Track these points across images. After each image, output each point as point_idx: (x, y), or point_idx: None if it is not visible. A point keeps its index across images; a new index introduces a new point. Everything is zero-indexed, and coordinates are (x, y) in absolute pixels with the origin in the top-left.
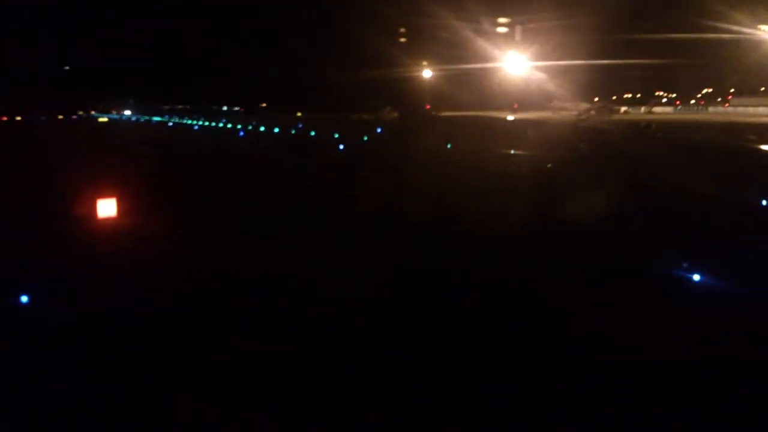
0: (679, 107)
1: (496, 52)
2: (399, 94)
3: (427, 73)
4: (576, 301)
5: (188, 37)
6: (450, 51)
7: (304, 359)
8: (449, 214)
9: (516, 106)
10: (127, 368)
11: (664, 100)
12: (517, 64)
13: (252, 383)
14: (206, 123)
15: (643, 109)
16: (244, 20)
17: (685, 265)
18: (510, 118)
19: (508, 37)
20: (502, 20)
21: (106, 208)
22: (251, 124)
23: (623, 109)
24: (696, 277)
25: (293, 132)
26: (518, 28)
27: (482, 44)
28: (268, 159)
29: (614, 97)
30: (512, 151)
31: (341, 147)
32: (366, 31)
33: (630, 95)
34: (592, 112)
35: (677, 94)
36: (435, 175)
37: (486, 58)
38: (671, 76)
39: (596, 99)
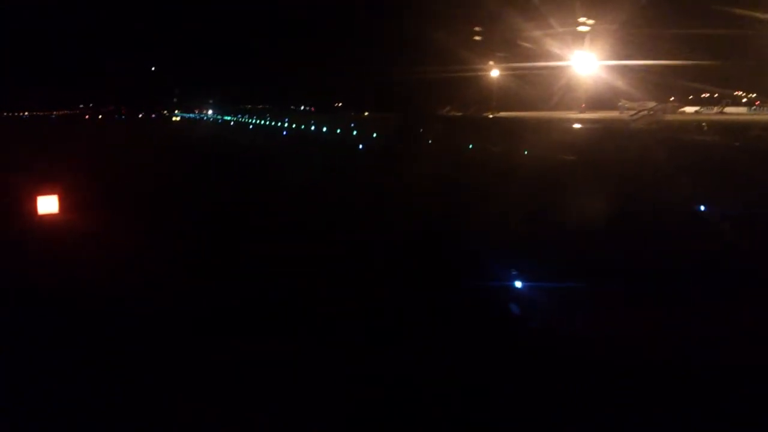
0: (755, 108)
1: (563, 51)
2: (457, 94)
3: (488, 72)
4: (579, 300)
5: (261, 42)
6: (515, 50)
7: (304, 359)
8: (446, 215)
9: (584, 106)
10: (127, 368)
11: (744, 99)
12: (585, 62)
13: (252, 383)
14: (267, 122)
15: (715, 108)
16: (310, 25)
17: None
18: (576, 125)
19: (576, 36)
20: (572, 19)
21: (47, 204)
22: (306, 124)
23: (694, 109)
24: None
25: (338, 131)
26: (589, 27)
27: (550, 43)
28: (286, 158)
29: (690, 97)
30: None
31: (360, 146)
32: (429, 31)
33: (707, 95)
34: (644, 113)
35: (757, 94)
36: (435, 173)
37: (553, 57)
38: (751, 76)
39: (671, 98)
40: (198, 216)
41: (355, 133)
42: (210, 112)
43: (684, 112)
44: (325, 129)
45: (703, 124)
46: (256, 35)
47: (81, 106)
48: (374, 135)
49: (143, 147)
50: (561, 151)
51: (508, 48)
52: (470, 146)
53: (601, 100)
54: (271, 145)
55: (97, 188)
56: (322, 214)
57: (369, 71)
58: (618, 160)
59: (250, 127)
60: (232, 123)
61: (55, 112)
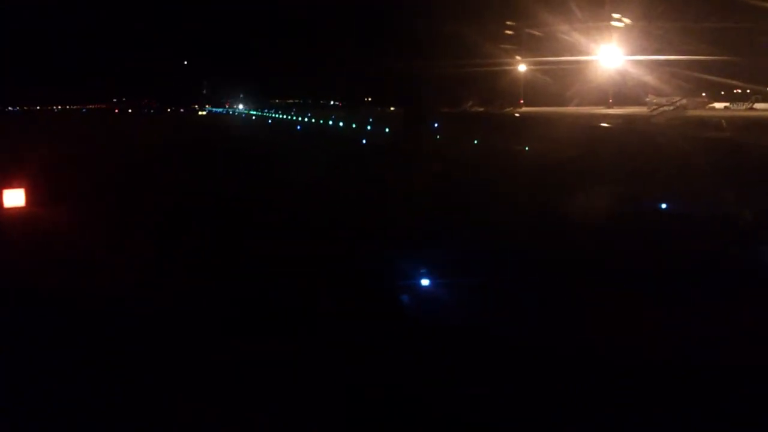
0: None
1: (590, 46)
2: (478, 90)
3: (513, 68)
4: (577, 300)
5: (288, 39)
6: (542, 44)
7: (304, 359)
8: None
9: (611, 101)
10: (127, 368)
11: None
12: (612, 57)
13: (252, 383)
14: (289, 116)
15: (744, 105)
16: (337, 22)
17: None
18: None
19: (603, 31)
20: (599, 14)
21: (14, 198)
22: (326, 119)
23: (724, 104)
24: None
25: (353, 126)
26: (617, 21)
27: (577, 37)
28: (285, 154)
29: (722, 92)
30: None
31: (364, 141)
32: (455, 27)
33: (739, 90)
34: (665, 108)
35: None
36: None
37: (580, 52)
38: None
39: (703, 94)
40: (176, 212)
41: (368, 128)
42: (241, 106)
43: (713, 108)
44: (341, 124)
45: (722, 120)
46: (285, 32)
47: (114, 100)
48: (386, 130)
49: (150, 143)
50: (555, 147)
51: (533, 42)
52: (475, 142)
53: (630, 95)
54: (276, 140)
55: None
56: (299, 213)
57: (393, 66)
58: (614, 157)
59: (269, 121)
60: (254, 117)
61: (86, 107)
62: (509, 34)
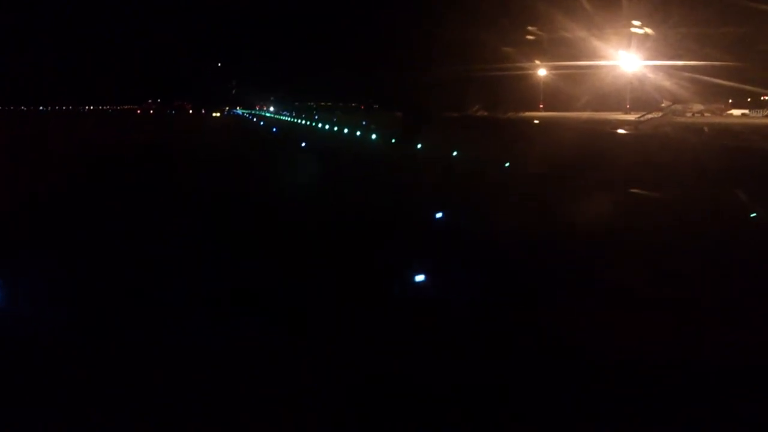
0: None
1: (606, 51)
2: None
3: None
4: (577, 301)
5: (312, 46)
6: (556, 48)
7: (305, 357)
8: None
9: (628, 107)
10: (127, 368)
11: None
12: (630, 61)
13: (252, 382)
14: (295, 119)
15: (762, 113)
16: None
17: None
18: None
19: (621, 36)
20: (618, 19)
21: None
22: (327, 121)
23: (741, 111)
24: None
25: (336, 129)
26: (636, 27)
27: (594, 42)
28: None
29: (748, 99)
30: None
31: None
32: (464, 29)
33: (766, 98)
34: (650, 115)
35: None
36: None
37: (596, 56)
38: None
39: (730, 101)
40: None
41: (345, 131)
42: (272, 108)
43: (730, 115)
44: (326, 127)
45: (705, 128)
46: (309, 39)
47: (150, 100)
48: (357, 133)
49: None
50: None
51: (542, 47)
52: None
53: (648, 101)
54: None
55: None
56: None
57: (407, 72)
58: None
59: (261, 123)
60: (255, 119)
61: (115, 108)
62: (514, 38)
